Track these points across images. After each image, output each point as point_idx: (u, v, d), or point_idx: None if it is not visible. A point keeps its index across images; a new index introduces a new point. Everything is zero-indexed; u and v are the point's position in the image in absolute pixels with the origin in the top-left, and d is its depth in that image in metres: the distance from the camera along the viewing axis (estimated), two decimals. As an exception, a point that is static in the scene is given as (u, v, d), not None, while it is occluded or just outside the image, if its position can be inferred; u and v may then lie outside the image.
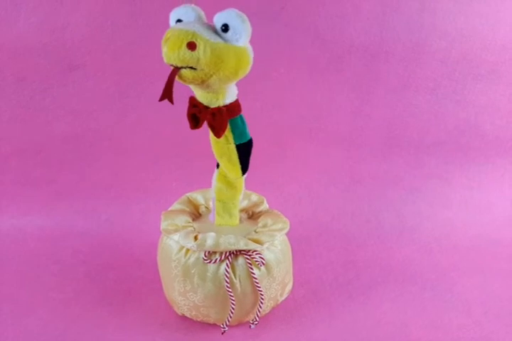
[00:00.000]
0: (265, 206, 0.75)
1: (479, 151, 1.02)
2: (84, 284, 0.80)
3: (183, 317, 0.71)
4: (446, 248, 0.92)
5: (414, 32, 0.95)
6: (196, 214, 0.74)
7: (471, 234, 0.96)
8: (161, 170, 0.99)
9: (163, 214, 0.71)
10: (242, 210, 0.74)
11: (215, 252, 0.65)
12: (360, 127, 1.00)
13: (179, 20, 0.57)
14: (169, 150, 0.98)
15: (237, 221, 0.70)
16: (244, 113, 0.64)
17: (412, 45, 0.96)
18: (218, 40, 0.54)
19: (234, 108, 0.61)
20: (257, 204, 0.75)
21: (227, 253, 0.65)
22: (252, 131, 0.65)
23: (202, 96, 0.60)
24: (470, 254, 0.90)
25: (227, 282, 0.64)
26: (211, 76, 0.55)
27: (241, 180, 0.67)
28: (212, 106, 0.60)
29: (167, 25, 0.91)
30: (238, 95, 0.62)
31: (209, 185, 0.70)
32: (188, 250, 0.66)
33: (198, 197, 0.75)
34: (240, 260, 0.65)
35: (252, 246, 0.64)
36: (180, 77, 0.55)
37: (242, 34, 0.54)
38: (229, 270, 0.64)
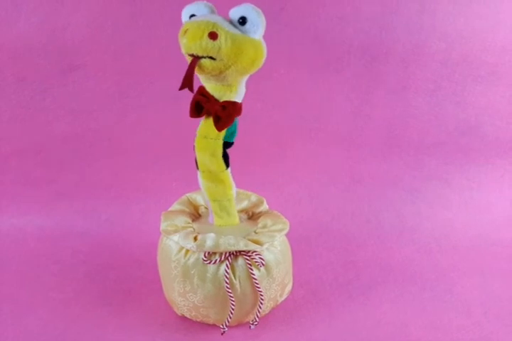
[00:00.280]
0: (265, 207, 0.75)
1: (479, 152, 1.02)
2: (84, 284, 0.80)
3: (183, 318, 0.71)
4: (446, 248, 0.92)
5: (414, 33, 0.96)
6: (196, 214, 0.74)
7: (470, 235, 0.96)
8: (161, 170, 0.99)
9: (163, 214, 0.71)
10: (241, 211, 0.74)
11: (214, 253, 0.65)
12: (360, 127, 1.00)
13: (193, 15, 0.59)
14: (169, 150, 0.97)
15: (237, 219, 0.70)
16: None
17: (412, 47, 0.96)
18: (237, 31, 0.56)
19: (239, 109, 0.62)
20: (256, 205, 0.75)
21: (227, 254, 0.65)
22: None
23: (214, 89, 0.61)
24: (470, 255, 0.90)
25: (226, 283, 0.64)
26: (229, 67, 0.57)
27: (226, 174, 0.67)
28: (222, 100, 0.61)
29: (167, 26, 0.91)
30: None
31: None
32: (187, 251, 0.66)
33: (197, 197, 0.75)
34: (240, 261, 0.65)
35: (252, 246, 0.64)
36: (200, 67, 0.57)
37: (259, 26, 0.57)
38: (229, 270, 0.64)
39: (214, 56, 0.56)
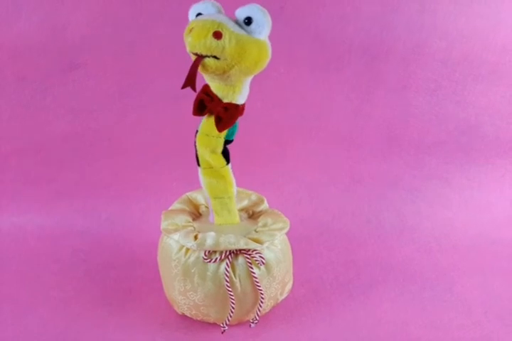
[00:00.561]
0: (265, 205, 0.75)
1: (479, 152, 1.02)
2: (84, 283, 0.80)
3: (183, 317, 0.71)
4: (446, 247, 0.92)
5: (414, 32, 0.95)
6: (196, 213, 0.74)
7: (471, 234, 0.96)
8: (161, 169, 0.99)
9: (164, 213, 0.71)
10: (242, 210, 0.74)
11: (215, 251, 0.65)
12: (360, 127, 1.00)
13: (199, 14, 0.59)
14: (169, 150, 0.97)
15: (237, 218, 0.70)
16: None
17: (413, 46, 0.96)
18: (242, 31, 0.56)
19: (242, 110, 0.63)
20: (257, 204, 0.75)
21: (227, 253, 0.65)
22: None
23: (217, 88, 0.61)
24: (470, 254, 0.90)
25: (227, 281, 0.64)
26: (233, 66, 0.57)
27: (227, 170, 0.67)
28: (225, 100, 0.61)
29: (168, 25, 0.91)
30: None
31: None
32: (188, 249, 0.66)
33: (198, 196, 0.75)
34: (240, 259, 0.65)
35: (252, 245, 0.64)
36: (204, 66, 0.57)
37: (264, 26, 0.57)
38: (229, 269, 0.64)
39: (218, 55, 0.56)
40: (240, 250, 0.65)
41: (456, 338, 0.69)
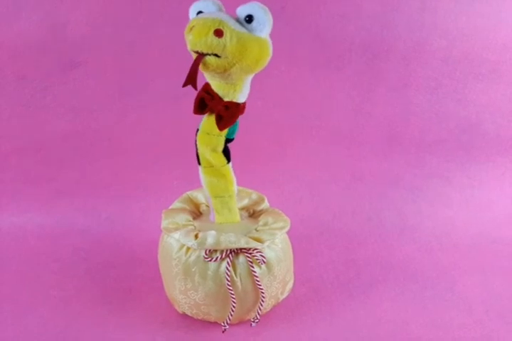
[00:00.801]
0: (266, 204, 0.75)
1: (480, 150, 1.02)
2: (84, 282, 0.80)
3: (184, 316, 0.71)
4: (447, 246, 0.92)
5: (415, 31, 0.95)
6: (197, 212, 0.74)
7: (471, 233, 0.96)
8: (161, 168, 0.99)
9: (164, 212, 0.71)
10: (242, 208, 0.74)
11: (215, 250, 0.65)
12: (361, 125, 1.00)
13: (200, 12, 0.59)
14: (169, 149, 0.97)
15: (238, 217, 0.70)
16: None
17: (413, 44, 0.96)
18: (243, 29, 0.56)
19: (242, 108, 0.63)
20: (257, 203, 0.74)
21: (228, 252, 0.65)
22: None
23: (218, 87, 0.61)
24: (471, 253, 0.90)
25: (227, 280, 0.64)
26: (234, 65, 0.57)
27: (227, 168, 0.67)
28: (226, 99, 0.61)
29: (168, 24, 0.91)
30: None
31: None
32: (188, 248, 0.66)
33: (198, 195, 0.75)
34: (241, 258, 0.65)
35: (253, 244, 0.64)
36: (204, 64, 0.57)
37: (265, 24, 0.57)
38: (230, 268, 0.64)
39: (219, 53, 0.56)
40: (241, 249, 0.65)
41: (457, 337, 0.69)
